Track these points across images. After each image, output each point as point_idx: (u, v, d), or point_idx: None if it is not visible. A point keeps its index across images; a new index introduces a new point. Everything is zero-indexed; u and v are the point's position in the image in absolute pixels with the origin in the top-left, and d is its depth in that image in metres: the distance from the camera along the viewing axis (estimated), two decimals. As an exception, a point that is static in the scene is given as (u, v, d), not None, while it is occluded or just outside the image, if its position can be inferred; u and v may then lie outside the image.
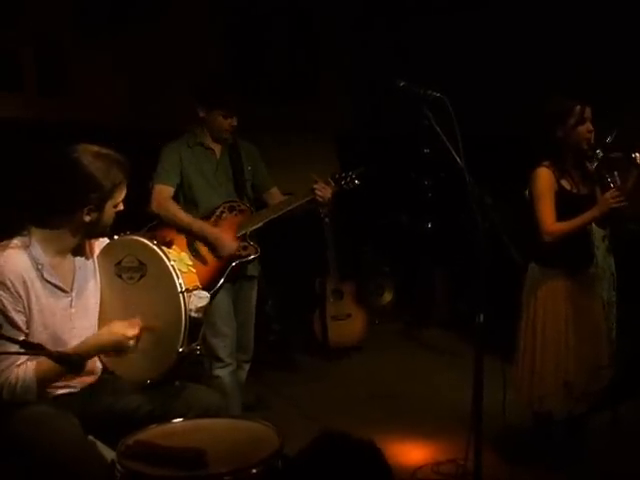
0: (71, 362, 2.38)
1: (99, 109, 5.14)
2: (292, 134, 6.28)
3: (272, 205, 4.24)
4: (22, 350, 2.37)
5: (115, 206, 2.77)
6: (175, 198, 4.10)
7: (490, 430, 3.17)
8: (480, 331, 2.99)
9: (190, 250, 3.95)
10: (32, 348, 2.36)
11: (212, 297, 3.43)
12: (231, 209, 4.15)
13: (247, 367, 4.37)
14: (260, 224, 4.12)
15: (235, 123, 4.10)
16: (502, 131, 6.19)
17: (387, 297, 7.35)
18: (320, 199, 4.09)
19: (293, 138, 6.26)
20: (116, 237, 2.92)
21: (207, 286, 3.53)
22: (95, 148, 2.71)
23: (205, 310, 2.76)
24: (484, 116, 5.83)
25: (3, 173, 3.96)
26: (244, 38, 6.53)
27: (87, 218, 2.70)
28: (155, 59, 5.72)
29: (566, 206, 3.74)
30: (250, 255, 4.10)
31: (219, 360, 4.11)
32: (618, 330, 4.29)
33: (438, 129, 2.98)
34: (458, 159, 2.98)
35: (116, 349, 2.74)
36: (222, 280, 3.97)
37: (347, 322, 6.28)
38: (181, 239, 3.98)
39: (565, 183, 3.77)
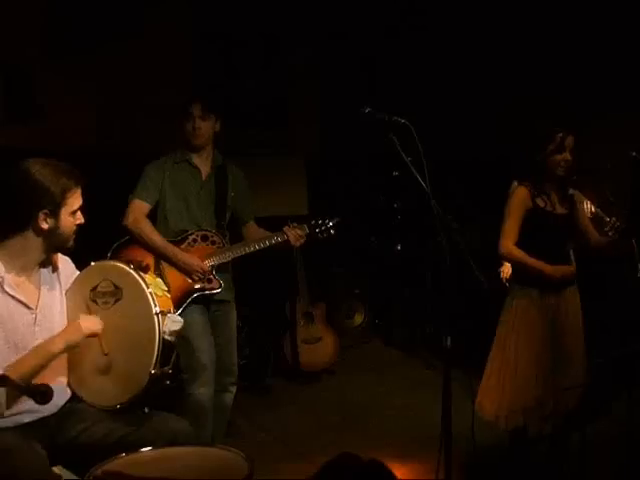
0: (37, 393, 2.36)
1: (68, 135, 5.14)
2: (261, 158, 6.29)
3: (244, 242, 4.23)
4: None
5: (73, 214, 2.79)
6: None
7: (460, 450, 3.18)
8: (447, 353, 3.01)
9: (155, 274, 3.92)
10: (-2, 379, 2.34)
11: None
12: (204, 238, 4.13)
13: (234, 390, 4.32)
14: (228, 259, 4.11)
15: (198, 125, 4.07)
16: (472, 155, 6.25)
17: (358, 319, 7.37)
18: (292, 243, 4.13)
19: (262, 162, 6.27)
20: (93, 263, 2.96)
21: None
22: (44, 160, 2.78)
23: (178, 334, 2.78)
24: (454, 140, 5.90)
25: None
26: (213, 63, 6.55)
27: (44, 225, 2.73)
28: (124, 84, 5.72)
29: (539, 223, 3.88)
30: (213, 289, 4.08)
31: (195, 378, 4.05)
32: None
33: (403, 155, 3.02)
34: (423, 184, 3.01)
35: (78, 338, 2.78)
36: (179, 310, 3.89)
37: (318, 345, 6.27)
38: (149, 260, 3.96)
39: (540, 201, 3.88)
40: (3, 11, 5.04)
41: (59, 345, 2.74)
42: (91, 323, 2.80)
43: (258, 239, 4.17)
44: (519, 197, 3.90)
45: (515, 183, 3.99)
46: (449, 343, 2.99)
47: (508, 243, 3.88)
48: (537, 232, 3.88)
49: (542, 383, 3.84)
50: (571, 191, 3.99)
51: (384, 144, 3.09)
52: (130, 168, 4.18)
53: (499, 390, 3.90)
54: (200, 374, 4.05)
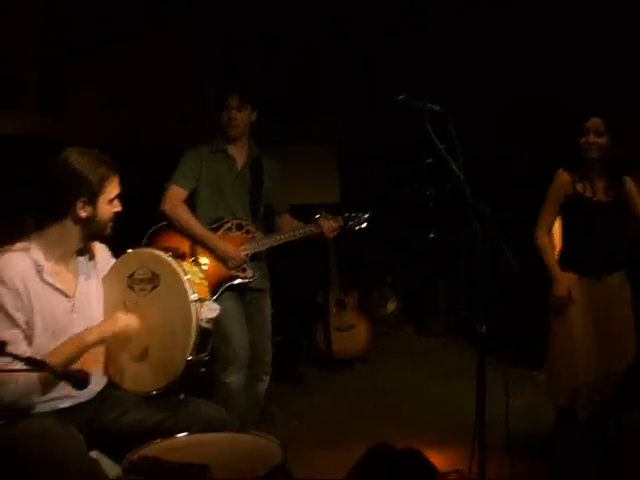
0: (76, 378, 2.39)
1: (97, 127, 5.17)
2: (293, 147, 6.28)
3: (278, 232, 4.26)
4: (26, 367, 2.38)
5: (110, 202, 2.81)
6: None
7: (494, 439, 3.16)
8: (482, 340, 3.00)
9: (191, 260, 3.94)
10: (37, 364, 2.38)
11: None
12: (239, 227, 4.16)
13: (267, 379, 4.33)
14: (263, 249, 4.15)
15: (234, 116, 4.10)
16: (505, 149, 6.21)
17: (390, 307, 7.35)
18: (326, 235, 4.17)
19: (294, 151, 6.27)
20: (130, 250, 2.99)
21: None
22: (82, 149, 2.80)
23: (214, 321, 2.80)
24: (488, 132, 5.87)
25: (10, 186, 4.01)
26: (244, 51, 6.55)
27: (82, 213, 2.75)
28: (152, 75, 5.74)
29: (577, 209, 3.93)
30: (247, 278, 4.10)
31: (228, 366, 4.07)
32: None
33: (437, 141, 3.00)
34: (457, 171, 3.00)
35: (118, 335, 2.81)
36: (215, 297, 3.91)
37: (350, 333, 6.28)
38: (185, 246, 3.98)
39: (580, 187, 3.91)
40: (34, 6, 5.07)
41: (93, 337, 2.77)
42: (128, 320, 2.82)
43: (292, 229, 4.20)
44: (558, 182, 3.95)
45: (560, 170, 3.98)
46: (484, 330, 2.98)
47: (540, 233, 3.97)
48: (576, 218, 3.92)
49: (581, 368, 3.87)
50: (624, 179, 3.95)
51: (417, 131, 3.08)
52: (163, 157, 4.21)
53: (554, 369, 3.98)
54: (231, 362, 4.07)
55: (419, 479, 1.86)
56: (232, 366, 4.08)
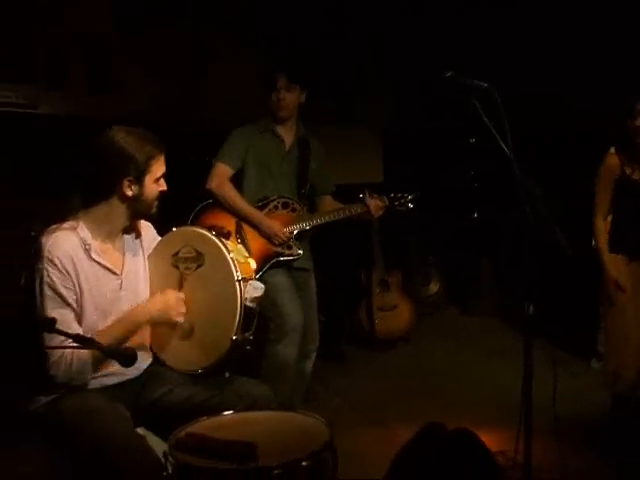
0: (123, 356, 2.41)
1: (144, 106, 5.18)
2: (338, 127, 6.26)
3: (323, 211, 4.28)
4: (75, 344, 2.41)
5: (156, 181, 2.82)
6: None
7: (539, 422, 3.13)
8: (529, 322, 2.97)
9: (236, 237, 3.99)
10: (85, 342, 2.40)
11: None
12: (285, 205, 4.19)
13: (314, 357, 4.37)
14: (308, 227, 4.17)
15: (282, 96, 4.12)
16: (554, 123, 6.11)
17: (433, 288, 7.32)
18: (372, 213, 4.16)
19: (339, 130, 6.25)
20: (174, 229, 2.99)
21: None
22: (128, 128, 2.81)
23: (259, 300, 2.79)
24: (533, 108, 5.76)
25: (57, 167, 4.04)
26: (289, 34, 6.50)
27: (129, 192, 2.76)
28: (199, 53, 5.74)
29: (624, 191, 3.90)
30: (292, 255, 4.13)
31: (281, 338, 4.09)
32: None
33: (486, 119, 2.96)
34: (506, 150, 2.95)
35: (164, 317, 2.82)
36: (259, 274, 3.93)
37: (393, 313, 6.27)
38: (230, 223, 4.01)
39: (628, 169, 3.88)
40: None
41: (143, 316, 2.81)
42: (177, 300, 2.83)
43: (338, 209, 4.20)
44: (607, 165, 3.92)
45: (612, 149, 3.93)
46: (531, 310, 2.94)
47: (596, 220, 3.95)
48: (624, 201, 3.88)
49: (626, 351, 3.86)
50: None
51: (463, 109, 3.04)
52: (209, 135, 4.21)
53: (620, 359, 3.96)
54: (288, 334, 4.08)
55: (472, 460, 1.84)
56: (288, 337, 4.09)
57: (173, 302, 2.82)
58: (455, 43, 6.61)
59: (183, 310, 2.83)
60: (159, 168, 2.82)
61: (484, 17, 6.52)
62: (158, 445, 2.66)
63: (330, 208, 4.31)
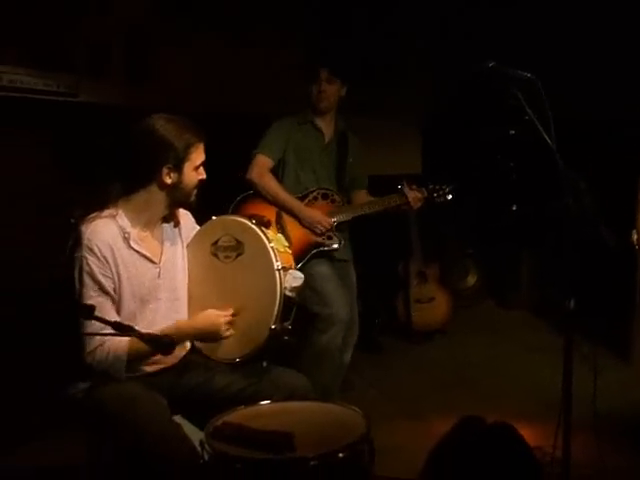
0: (161, 344, 2.42)
1: (186, 93, 5.19)
2: (376, 117, 6.23)
3: (363, 202, 4.28)
4: (114, 331, 2.42)
5: (196, 169, 2.82)
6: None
7: (578, 417, 3.09)
8: (570, 317, 2.92)
9: (277, 227, 3.99)
10: (124, 329, 2.41)
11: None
12: (325, 196, 4.21)
13: (352, 348, 4.38)
14: (349, 218, 4.18)
15: (323, 89, 4.13)
16: (596, 115, 6.02)
17: (471, 280, 7.28)
18: (411, 205, 4.14)
19: (377, 121, 6.22)
20: (214, 217, 2.99)
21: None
22: (168, 115, 2.80)
23: (299, 290, 2.78)
24: (575, 99, 5.68)
25: (97, 155, 4.07)
26: (325, 23, 6.48)
27: (168, 179, 2.76)
28: (239, 44, 5.73)
29: None
30: (333, 245, 4.13)
31: (330, 328, 4.09)
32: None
33: (529, 110, 2.91)
34: (549, 141, 2.91)
35: (210, 338, 2.81)
36: (300, 264, 3.94)
37: (431, 305, 6.24)
38: (270, 213, 4.00)
39: None
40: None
41: (187, 337, 2.85)
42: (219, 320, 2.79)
43: (378, 200, 4.20)
44: None
45: None
46: (572, 305, 2.90)
47: (639, 214, 3.90)
48: None
49: None
50: None
51: (503, 100, 3.00)
52: (248, 125, 4.22)
53: None
54: (335, 325, 4.08)
55: (511, 454, 1.81)
56: (334, 328, 4.09)
57: (215, 320, 2.78)
58: (495, 32, 6.54)
59: (226, 326, 2.78)
60: (198, 156, 2.82)
61: (525, 5, 6.44)
62: (194, 434, 2.67)
63: (365, 201, 4.30)
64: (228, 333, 2.77)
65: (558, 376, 2.99)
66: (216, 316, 2.77)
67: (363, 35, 6.50)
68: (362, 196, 4.38)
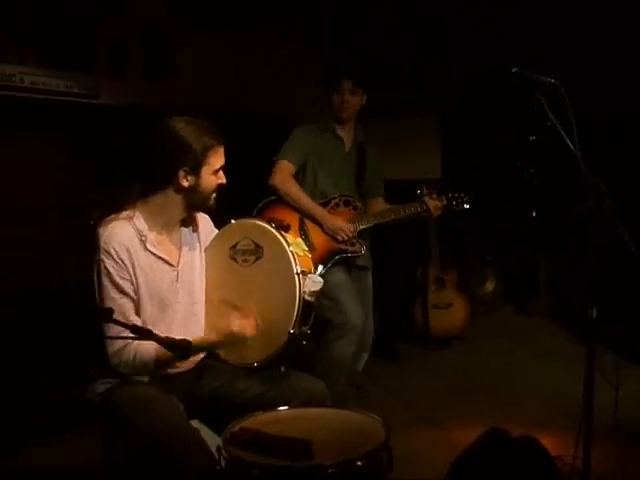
0: (179, 349, 2.41)
1: (206, 93, 5.19)
2: (396, 121, 6.21)
3: (385, 210, 4.27)
4: (132, 335, 2.41)
5: (214, 173, 2.79)
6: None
7: (599, 426, 3.05)
8: (593, 326, 2.89)
9: (300, 233, 4.00)
10: (142, 333, 2.39)
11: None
12: (346, 203, 4.22)
13: (366, 357, 4.38)
14: (370, 224, 4.17)
15: (347, 99, 4.14)
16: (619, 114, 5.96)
17: (489, 286, 7.24)
18: (431, 214, 4.17)
19: (397, 125, 6.21)
20: (233, 221, 2.97)
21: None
22: (189, 118, 2.78)
23: (318, 295, 2.76)
24: (598, 98, 5.63)
25: (116, 157, 4.07)
26: (345, 23, 6.47)
27: (184, 182, 2.74)
28: (260, 43, 5.73)
29: None
30: (356, 252, 4.13)
31: (343, 337, 4.08)
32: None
33: (551, 116, 2.89)
34: (572, 147, 2.88)
35: (232, 344, 2.80)
36: (322, 270, 3.95)
37: (448, 311, 6.20)
38: (293, 220, 4.01)
39: None
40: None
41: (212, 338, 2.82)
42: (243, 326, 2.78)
43: (399, 207, 4.19)
44: None
45: None
46: (595, 314, 2.86)
47: None
48: None
49: None
50: None
51: (525, 106, 2.98)
52: (267, 128, 4.22)
53: None
54: (348, 333, 4.07)
55: (537, 469, 1.78)
56: (347, 336, 4.09)
57: (238, 328, 2.76)
58: (517, 36, 6.50)
59: (250, 331, 2.76)
60: (217, 160, 2.79)
61: (547, 7, 6.40)
62: (211, 438, 2.66)
63: (386, 209, 4.30)
64: (252, 333, 2.75)
65: (577, 384, 2.96)
66: (238, 325, 2.75)
67: (383, 38, 6.48)
68: (379, 204, 4.39)
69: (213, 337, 2.80)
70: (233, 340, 2.76)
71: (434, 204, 4.15)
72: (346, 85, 4.13)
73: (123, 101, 4.84)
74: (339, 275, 4.09)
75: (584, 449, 2.94)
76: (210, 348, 2.84)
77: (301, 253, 2.81)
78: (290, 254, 2.75)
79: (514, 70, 2.98)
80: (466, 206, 4.24)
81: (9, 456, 3.73)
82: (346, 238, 4.08)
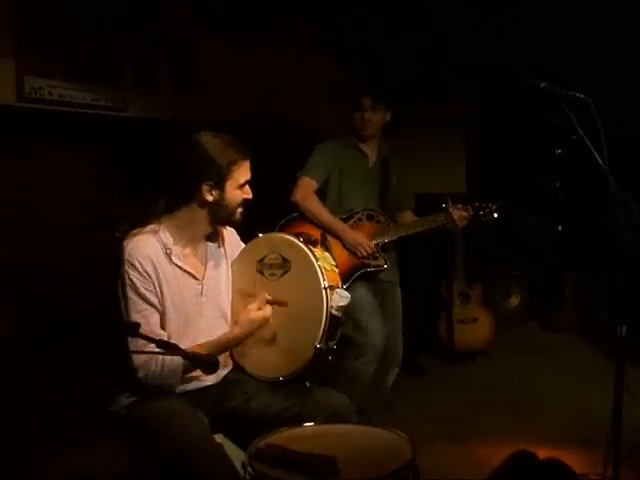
0: (205, 363, 2.40)
1: (232, 106, 5.20)
2: (421, 135, 6.20)
3: (409, 222, 4.27)
4: (158, 349, 2.40)
5: (240, 188, 2.78)
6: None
7: (626, 443, 3.01)
8: (621, 343, 2.85)
9: (322, 249, 3.97)
10: (168, 347, 2.39)
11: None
12: (369, 217, 4.21)
13: (396, 372, 4.37)
14: (394, 238, 4.16)
15: (368, 117, 4.15)
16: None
17: (514, 301, 7.20)
18: (457, 224, 4.12)
19: (422, 139, 6.20)
20: (260, 235, 2.97)
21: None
22: (214, 132, 2.78)
23: (345, 310, 2.75)
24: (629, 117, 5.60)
25: (143, 170, 4.10)
26: (367, 38, 6.46)
27: (209, 197, 2.73)
28: (285, 57, 5.74)
29: None
30: (379, 266, 4.10)
31: (363, 355, 4.07)
32: None
33: (580, 131, 2.87)
34: (601, 162, 2.86)
35: (257, 331, 2.80)
36: (346, 285, 3.94)
37: (473, 326, 6.17)
38: (316, 236, 3.99)
39: None
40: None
41: (235, 342, 2.82)
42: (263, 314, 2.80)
43: (423, 219, 4.17)
44: None
45: None
46: (624, 332, 2.83)
47: None
48: None
49: None
50: None
51: (552, 120, 2.96)
52: (293, 143, 4.22)
53: None
54: (368, 352, 4.06)
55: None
56: (368, 355, 4.08)
57: (256, 316, 2.78)
58: (542, 49, 6.48)
59: (268, 314, 2.79)
60: (242, 174, 2.78)
61: (572, 20, 6.37)
62: (235, 453, 2.65)
63: (410, 221, 4.29)
64: (267, 314, 2.77)
65: (604, 401, 2.93)
66: (256, 314, 2.77)
67: (407, 52, 6.48)
68: (408, 216, 4.37)
69: (236, 331, 2.79)
70: (257, 326, 2.77)
71: (459, 214, 4.11)
72: (366, 102, 4.14)
73: (150, 114, 4.86)
74: (360, 291, 4.05)
75: (613, 467, 2.91)
76: (235, 345, 2.82)
77: (328, 268, 2.80)
78: (318, 268, 2.74)
79: (543, 85, 2.98)
80: (495, 215, 4.18)
81: (27, 470, 3.73)
82: (365, 254, 4.06)
